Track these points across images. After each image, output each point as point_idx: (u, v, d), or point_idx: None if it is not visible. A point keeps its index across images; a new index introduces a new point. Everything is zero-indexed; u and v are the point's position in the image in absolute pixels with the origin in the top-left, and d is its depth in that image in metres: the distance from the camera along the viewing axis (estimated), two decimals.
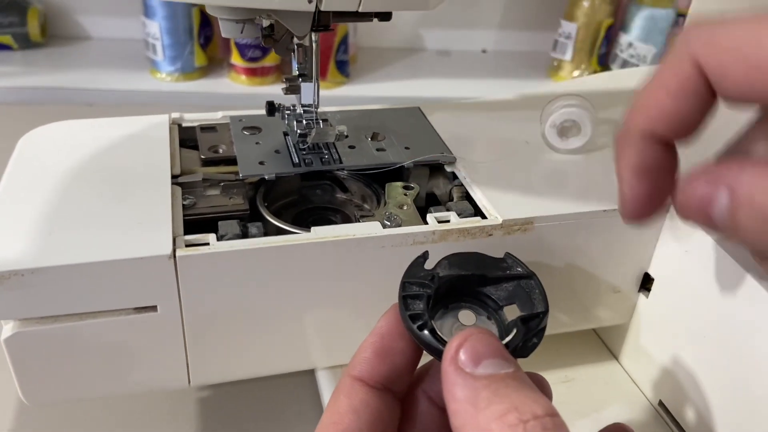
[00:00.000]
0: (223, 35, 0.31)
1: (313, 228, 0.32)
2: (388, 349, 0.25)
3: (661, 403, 0.38)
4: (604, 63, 0.95)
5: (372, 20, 0.33)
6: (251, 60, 0.86)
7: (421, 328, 0.24)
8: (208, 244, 0.31)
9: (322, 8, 0.29)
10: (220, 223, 0.33)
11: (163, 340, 0.32)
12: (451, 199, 0.38)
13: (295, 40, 0.33)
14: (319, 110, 0.39)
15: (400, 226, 0.33)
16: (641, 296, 0.39)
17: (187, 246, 0.30)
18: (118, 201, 0.32)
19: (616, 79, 0.54)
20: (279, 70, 0.89)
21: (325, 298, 0.33)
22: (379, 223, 0.33)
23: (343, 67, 0.89)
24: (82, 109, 0.80)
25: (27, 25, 0.90)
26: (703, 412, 0.35)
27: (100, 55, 0.93)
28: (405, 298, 0.25)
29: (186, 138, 0.41)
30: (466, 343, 0.22)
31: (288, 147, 0.39)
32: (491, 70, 0.99)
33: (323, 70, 0.88)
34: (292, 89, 0.37)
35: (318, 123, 0.38)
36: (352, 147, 0.39)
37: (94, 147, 0.37)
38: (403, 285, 0.26)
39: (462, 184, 0.38)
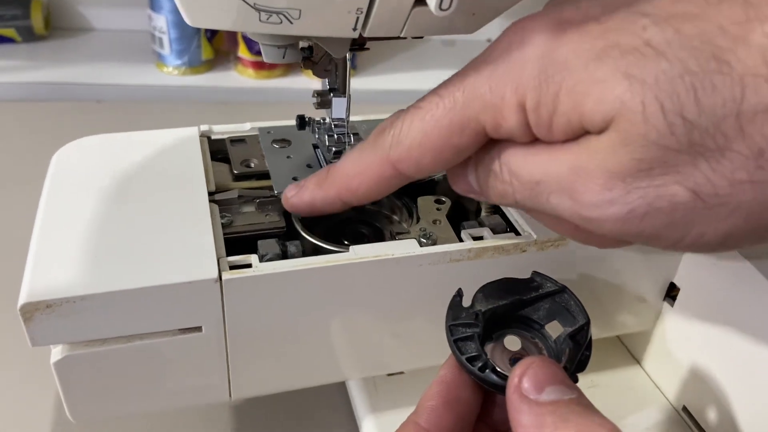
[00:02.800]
0: (266, 60, 0.31)
1: (351, 247, 0.33)
2: (455, 398, 0.26)
3: (684, 408, 0.39)
4: None
5: (406, 38, 0.33)
6: (259, 53, 0.85)
7: (482, 369, 0.25)
8: (250, 265, 0.31)
9: (365, 35, 0.29)
10: (260, 242, 0.33)
11: (207, 359, 0.32)
12: (479, 211, 0.39)
13: (333, 60, 0.33)
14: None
15: (435, 243, 0.34)
16: (666, 304, 0.40)
17: (231, 268, 0.31)
18: (159, 221, 0.33)
19: None
20: (286, 64, 0.88)
21: (361, 315, 0.34)
22: (415, 240, 0.33)
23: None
24: (90, 105, 0.80)
25: (31, 17, 0.89)
26: (726, 418, 0.36)
27: (104, 47, 0.92)
28: (456, 342, 0.26)
29: (215, 150, 0.41)
30: (528, 372, 0.23)
31: (319, 160, 0.39)
32: None
33: None
34: (323, 103, 0.37)
35: (349, 137, 0.38)
36: None
37: (129, 163, 0.37)
38: (450, 329, 0.27)
39: None
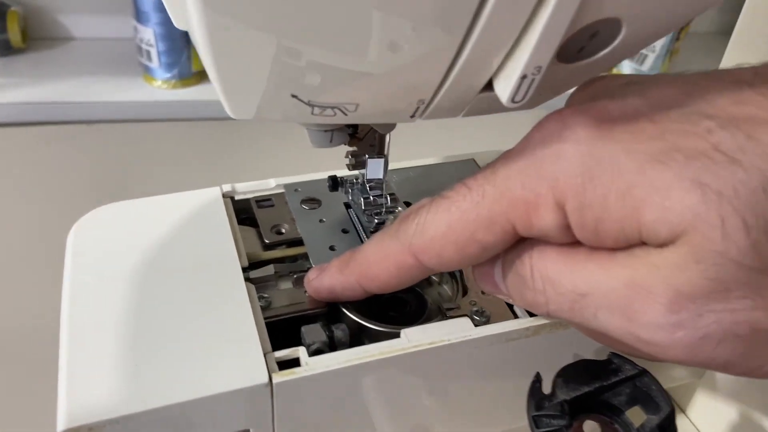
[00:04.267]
0: (313, 146, 0.29)
1: (403, 331, 0.31)
2: None
3: None
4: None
5: None
6: None
7: None
8: (298, 360, 0.29)
9: (422, 119, 0.27)
10: (304, 329, 0.31)
11: None
12: None
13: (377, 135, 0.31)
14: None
15: (489, 319, 0.32)
16: None
17: (278, 364, 0.29)
18: (195, 311, 0.30)
19: None
20: None
21: (413, 399, 0.32)
22: (468, 318, 0.32)
23: None
24: (79, 129, 0.76)
25: (7, 30, 0.85)
26: None
27: (87, 58, 0.88)
28: None
29: (239, 209, 0.38)
30: None
31: (354, 224, 0.37)
32: None
33: None
34: (358, 165, 0.35)
35: (386, 198, 0.36)
36: None
37: (153, 238, 0.34)
38: (534, 421, 0.25)
39: None
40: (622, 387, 0.28)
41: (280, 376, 0.28)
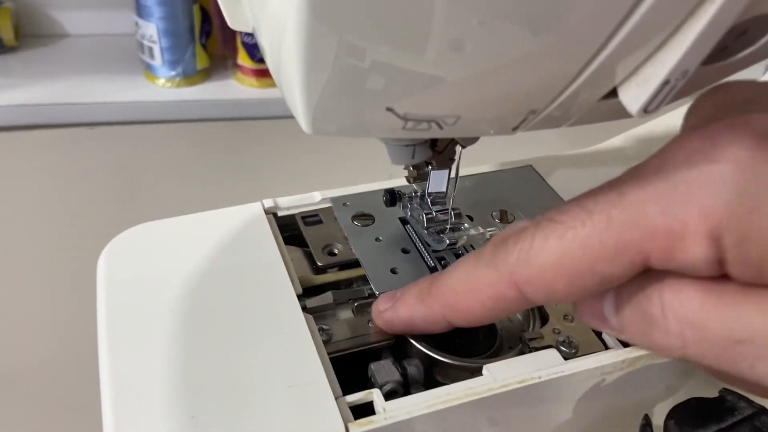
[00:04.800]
0: (393, 163, 0.25)
1: (485, 367, 0.27)
2: None
3: None
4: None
5: None
6: (262, 61, 0.78)
7: None
8: (373, 405, 0.26)
9: (521, 131, 0.23)
10: (373, 366, 0.28)
11: None
12: None
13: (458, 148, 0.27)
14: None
15: (578, 349, 0.29)
16: None
17: (352, 410, 0.25)
18: (252, 350, 0.27)
19: None
20: None
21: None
22: (555, 350, 0.28)
23: None
24: (80, 132, 0.72)
25: (0, 28, 0.80)
26: None
27: (84, 56, 0.84)
28: None
29: (281, 225, 0.35)
30: None
31: (413, 241, 0.33)
32: None
33: None
34: (420, 176, 0.32)
35: (450, 215, 0.32)
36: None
37: (195, 263, 0.31)
38: None
39: None
40: (740, 428, 0.25)
41: (358, 426, 0.25)
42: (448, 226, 0.32)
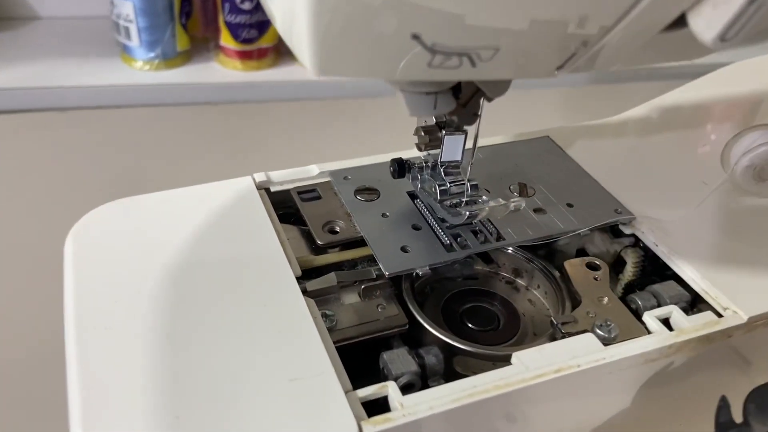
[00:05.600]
0: (411, 114, 0.21)
1: (515, 355, 0.24)
2: None
3: None
4: None
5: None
6: (246, 42, 0.74)
7: None
8: (387, 401, 0.22)
9: (563, 73, 0.19)
10: (386, 356, 0.24)
11: None
12: (620, 263, 0.30)
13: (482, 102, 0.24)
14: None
15: (616, 335, 0.25)
16: None
17: (363, 405, 0.22)
18: (246, 340, 0.23)
19: None
20: (276, 51, 0.77)
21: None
22: (592, 335, 0.25)
23: None
24: (51, 116, 0.67)
25: None
26: None
27: (55, 39, 0.79)
28: None
29: (274, 202, 0.31)
30: None
31: (426, 218, 0.29)
32: None
33: None
34: (431, 143, 0.28)
35: (465, 186, 0.29)
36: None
37: (177, 242, 0.27)
38: None
39: (638, 245, 0.30)
40: None
41: (372, 425, 0.21)
42: (464, 200, 0.29)
